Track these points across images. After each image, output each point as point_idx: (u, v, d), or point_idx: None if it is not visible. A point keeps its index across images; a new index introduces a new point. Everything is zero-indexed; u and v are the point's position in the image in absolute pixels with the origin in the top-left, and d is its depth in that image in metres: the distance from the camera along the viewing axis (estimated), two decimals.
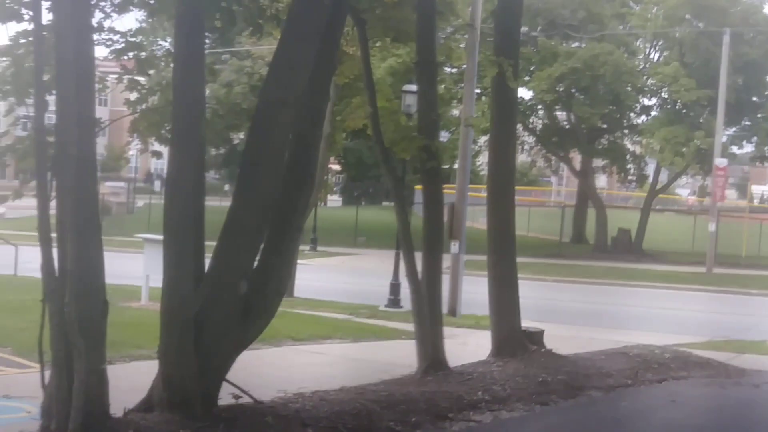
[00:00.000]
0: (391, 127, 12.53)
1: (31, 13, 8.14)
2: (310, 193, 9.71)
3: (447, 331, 12.53)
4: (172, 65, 9.00)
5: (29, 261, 19.22)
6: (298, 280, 20.67)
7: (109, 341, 7.76)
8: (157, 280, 11.76)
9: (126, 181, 61.06)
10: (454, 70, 35.45)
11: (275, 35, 9.77)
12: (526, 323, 13.48)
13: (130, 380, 9.36)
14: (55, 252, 7.55)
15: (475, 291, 17.89)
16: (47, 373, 7.64)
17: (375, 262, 32.19)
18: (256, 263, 8.80)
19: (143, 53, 9.38)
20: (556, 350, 13.04)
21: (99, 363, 7.45)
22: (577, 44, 40.04)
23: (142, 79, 9.97)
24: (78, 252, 7.39)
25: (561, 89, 38.59)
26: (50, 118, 7.84)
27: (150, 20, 16.63)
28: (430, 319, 11.66)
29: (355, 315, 19.42)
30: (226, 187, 61.40)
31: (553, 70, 37.73)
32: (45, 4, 7.95)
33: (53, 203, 7.65)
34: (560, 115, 43.55)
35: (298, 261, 15.66)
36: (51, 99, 7.82)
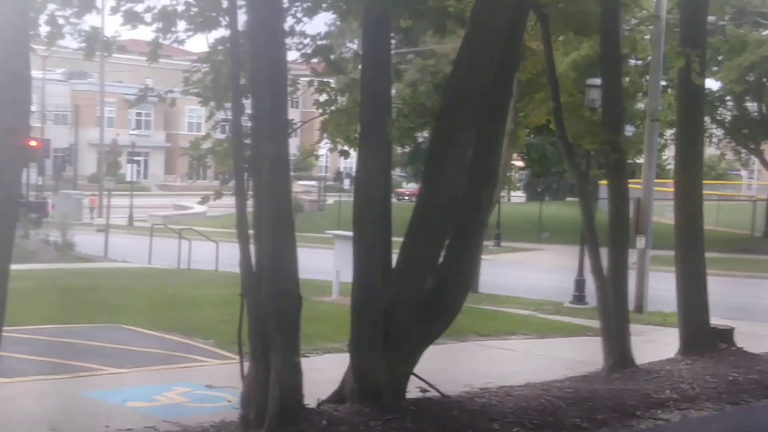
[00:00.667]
0: (575, 122, 12.22)
1: (227, 18, 8.42)
2: (494, 189, 9.59)
3: (633, 328, 12.12)
4: (359, 67, 9.10)
5: (229, 257, 20.13)
6: (483, 276, 20.54)
7: (303, 334, 7.93)
8: (347, 276, 11.99)
9: (317, 179, 62.67)
10: (639, 63, 34.24)
11: (458, 33, 9.68)
12: (715, 320, 12.94)
13: (323, 372, 9.53)
14: (252, 249, 7.78)
15: (662, 287, 17.23)
16: (246, 365, 7.87)
17: (558, 258, 31.59)
18: (441, 259, 8.77)
19: (332, 56, 9.52)
20: (747, 349, 12.53)
21: (294, 355, 7.61)
22: None
23: (331, 80, 10.14)
24: (273, 248, 7.58)
25: (751, 79, 36.69)
26: (247, 121, 8.09)
27: (338, 23, 16.96)
28: (616, 315, 11.30)
29: (540, 311, 19.02)
30: (404, 185, 61.99)
31: (742, 60, 35.87)
32: (240, 11, 8.20)
33: (250, 202, 7.89)
34: (750, 105, 41.43)
35: (482, 257, 15.50)
36: (247, 103, 8.06)
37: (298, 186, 53.37)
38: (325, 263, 19.69)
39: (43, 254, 27.73)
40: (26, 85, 6.46)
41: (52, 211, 46.61)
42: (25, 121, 6.52)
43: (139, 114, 75.95)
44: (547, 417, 8.42)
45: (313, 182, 61.45)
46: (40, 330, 12.77)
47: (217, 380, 9.95)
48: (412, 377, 8.68)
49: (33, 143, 32.21)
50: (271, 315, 7.51)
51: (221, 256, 25.24)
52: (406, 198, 55.25)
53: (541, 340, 14.64)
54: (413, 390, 8.80)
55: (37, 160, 44.11)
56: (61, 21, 8.13)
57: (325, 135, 10.36)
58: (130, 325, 13.71)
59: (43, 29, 7.91)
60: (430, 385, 8.97)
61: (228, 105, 8.80)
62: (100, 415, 8.32)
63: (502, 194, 35.56)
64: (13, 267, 6.60)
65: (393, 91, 10.93)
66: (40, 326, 13.01)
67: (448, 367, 11.16)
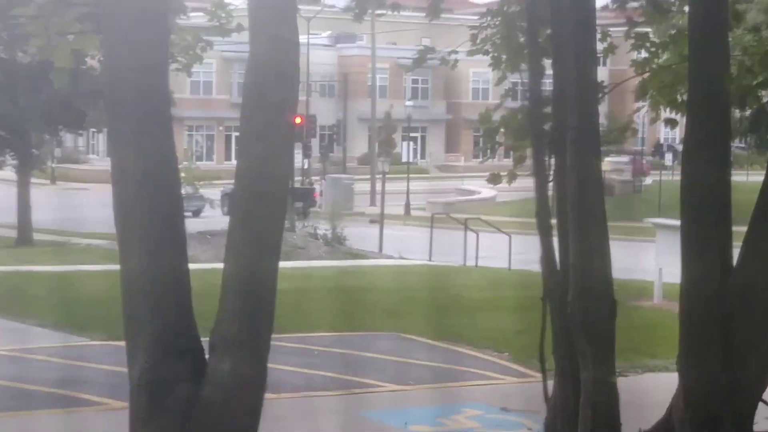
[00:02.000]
0: None
1: None
2: None
3: None
4: (686, 9, 8.81)
5: (524, 252, 20.20)
6: None
7: (619, 348, 7.82)
8: (672, 274, 11.66)
9: (630, 154, 61.51)
10: None
11: None
12: None
13: (645, 395, 9.38)
14: (555, 242, 7.77)
15: None
16: (550, 384, 7.88)
17: None
18: None
19: None
20: None
21: (608, 373, 7.52)
22: None
23: (649, 30, 9.90)
24: (581, 241, 7.52)
25: None
26: (546, 85, 8.08)
27: None
28: None
29: None
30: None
31: None
32: None
33: (551, 185, 7.88)
34: None
35: None
36: (547, 63, 8.05)
37: (608, 163, 52.56)
38: (644, 259, 19.29)
39: (311, 250, 29.20)
40: (293, 51, 6.81)
41: (319, 200, 49.16)
42: (293, 94, 6.90)
43: (415, 81, 78.00)
44: None
45: (625, 158, 60.44)
46: (309, 338, 13.48)
47: (514, 402, 10.05)
48: (761, 404, 8.33)
49: (298, 120, 34.14)
50: (579, 323, 7.47)
51: (515, 250, 25.43)
52: None
53: None
54: (761, 420, 8.44)
55: (302, 139, 46.73)
56: None
57: (643, 100, 10.14)
58: (410, 333, 14.13)
59: None
60: None
61: (523, 66, 8.82)
62: None
63: None
64: (280, 265, 7.02)
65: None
66: (310, 334, 13.74)
67: None
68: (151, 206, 6.88)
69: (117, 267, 7.02)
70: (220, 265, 6.93)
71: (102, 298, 14.65)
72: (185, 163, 45.15)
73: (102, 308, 14.12)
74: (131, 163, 6.90)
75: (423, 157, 77.28)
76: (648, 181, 56.11)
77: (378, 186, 46.98)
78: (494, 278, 22.18)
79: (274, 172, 6.80)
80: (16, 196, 35.84)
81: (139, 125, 6.86)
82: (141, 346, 6.82)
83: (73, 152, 73.18)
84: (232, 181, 7.23)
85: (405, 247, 31.50)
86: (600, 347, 7.54)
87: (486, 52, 9.83)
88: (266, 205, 6.78)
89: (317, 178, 55.58)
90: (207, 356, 6.86)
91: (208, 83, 70.59)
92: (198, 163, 57.84)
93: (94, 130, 54.00)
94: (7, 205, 37.56)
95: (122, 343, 7.04)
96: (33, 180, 38.87)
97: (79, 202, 44.78)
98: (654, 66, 9.84)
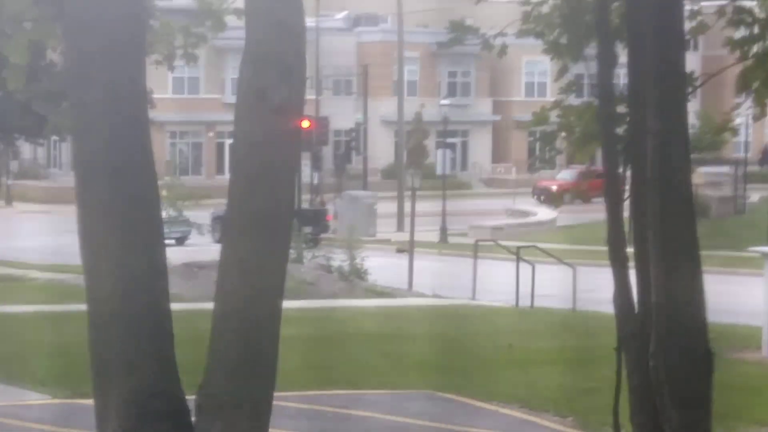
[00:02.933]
0: None
1: None
2: None
3: None
4: None
5: (592, 289, 20.13)
6: None
7: (716, 413, 7.76)
8: None
9: (730, 164, 61.10)
10: None
11: None
12: None
13: None
14: (633, 276, 7.74)
15: None
16: None
17: None
18: None
19: None
20: None
21: None
22: None
23: (754, 3, 9.87)
24: (666, 275, 7.47)
25: None
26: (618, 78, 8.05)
27: None
28: None
29: None
30: None
31: None
32: None
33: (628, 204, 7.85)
34: None
35: None
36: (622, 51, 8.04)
37: (700, 175, 52.32)
38: (749, 298, 19.18)
39: (323, 286, 29.17)
40: (299, 42, 6.85)
41: (333, 223, 49.25)
42: (299, 92, 6.92)
43: (452, 74, 78.24)
44: None
45: (723, 168, 60.04)
46: (321, 397, 13.45)
47: None
48: None
49: (305, 124, 34.27)
50: (664, 381, 7.43)
51: (581, 287, 25.36)
52: None
53: None
54: None
55: (311, 147, 46.92)
56: None
57: (745, 93, 10.10)
58: (448, 391, 14.09)
59: None
60: None
61: (590, 53, 8.82)
62: None
63: None
64: (285, 305, 7.03)
65: None
66: (322, 391, 13.72)
67: None
68: (124, 232, 6.92)
69: (84, 307, 7.04)
70: (210, 305, 6.95)
71: (65, 345, 14.70)
72: (167, 178, 45.54)
73: (65, 359, 14.15)
74: (100, 180, 6.95)
75: (463, 168, 77.38)
76: (754, 198, 55.60)
77: (407, 206, 47.03)
78: (555, 322, 22.09)
79: (277, 189, 6.83)
80: None
81: (111, 132, 6.91)
82: (113, 406, 6.86)
83: (32, 166, 74.01)
84: (225, 200, 7.25)
85: (441, 282, 31.42)
86: (692, 412, 7.49)
87: (541, 34, 9.82)
88: (266, 231, 6.80)
89: (331, 196, 55.72)
90: (193, 419, 6.87)
91: (194, 80, 71.07)
92: (183, 178, 58.23)
93: (56, 138, 54.68)
94: None
95: (90, 402, 7.05)
96: None
97: (38, 228, 45.07)
98: (758, 50, 9.80)
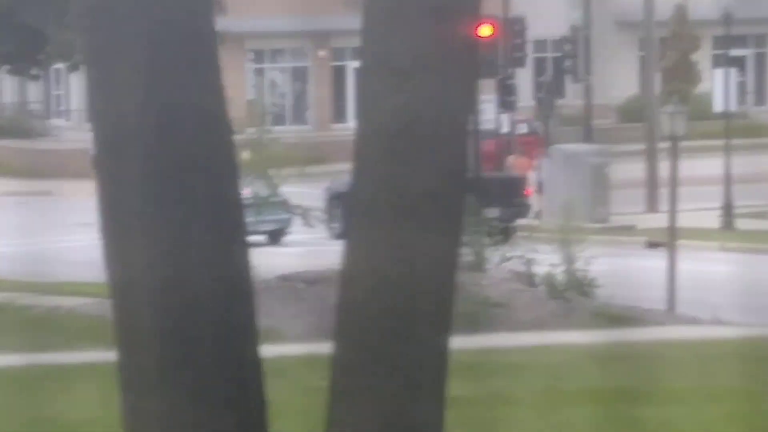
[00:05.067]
0: None
1: None
2: None
3: None
4: None
5: None
6: None
7: None
8: None
9: None
10: None
11: None
12: None
13: None
14: None
15: None
16: None
17: None
18: None
19: None
20: None
21: None
22: None
23: None
24: None
25: None
26: None
27: None
28: None
29: None
30: None
31: None
32: None
33: None
34: None
35: None
36: None
37: None
38: None
39: (521, 308, 29.20)
40: None
41: (536, 200, 49.13)
42: None
43: None
44: None
45: None
46: None
47: None
48: None
49: (485, 31, 34.39)
50: None
51: None
52: None
53: None
54: None
55: (496, 72, 46.68)
56: None
57: None
58: None
59: None
60: None
61: None
62: None
63: None
64: (456, 343, 7.14)
65: None
66: None
67: None
68: (174, 227, 7.02)
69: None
70: (324, 348, 7.01)
71: None
72: (250, 131, 45.40)
73: None
74: (134, 137, 7.05)
75: (760, 102, 76.69)
76: None
77: (662, 169, 46.70)
78: None
79: (437, 146, 6.91)
80: None
81: (153, 57, 7.02)
82: None
83: (19, 116, 74.81)
84: (349, 167, 7.26)
85: (724, 298, 31.30)
86: None
87: None
88: (421, 219, 6.88)
89: (535, 153, 55.61)
90: None
91: None
92: (277, 129, 58.44)
93: (59, 66, 54.79)
94: None
95: None
96: None
97: (26, 221, 45.83)
98: None
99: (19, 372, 21.97)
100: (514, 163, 52.92)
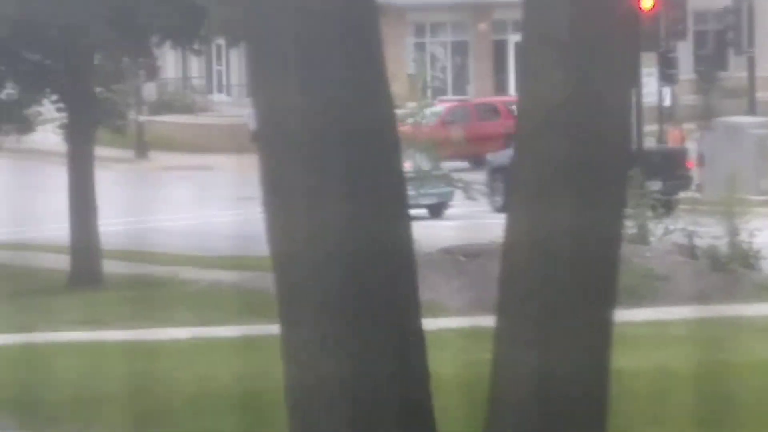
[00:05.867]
0: None
1: None
2: None
3: None
4: None
5: None
6: None
7: None
8: None
9: None
10: None
11: None
12: None
13: None
14: None
15: None
16: None
17: None
18: None
19: None
20: None
21: None
22: None
23: None
24: None
25: None
26: None
27: None
28: None
29: None
30: None
31: None
32: None
33: None
34: None
35: None
36: None
37: None
38: None
39: (684, 281, 28.89)
40: None
41: (698, 173, 48.64)
42: None
43: None
44: None
45: None
46: None
47: None
48: None
49: (647, 3, 34.07)
50: None
51: None
52: None
53: None
54: None
55: (657, 45, 46.31)
56: None
57: None
58: None
59: None
60: None
61: None
62: None
63: None
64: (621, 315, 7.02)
65: None
66: None
67: None
68: (342, 197, 7.05)
69: None
70: (486, 321, 7.00)
71: None
72: (410, 105, 45.14)
73: None
74: (296, 112, 7.13)
75: None
76: None
77: None
78: None
79: (599, 118, 6.91)
80: (67, 186, 36.75)
81: (310, 31, 7.05)
82: None
83: (180, 91, 74.91)
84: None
85: None
86: None
87: None
88: (583, 191, 6.90)
89: (692, 127, 55.21)
90: None
91: None
92: (440, 100, 58.06)
93: (220, 41, 54.21)
94: (56, 205, 38.98)
95: None
96: (106, 153, 39.89)
97: (193, 195, 45.89)
98: None
99: (184, 345, 22.00)
100: (669, 135, 52.44)
